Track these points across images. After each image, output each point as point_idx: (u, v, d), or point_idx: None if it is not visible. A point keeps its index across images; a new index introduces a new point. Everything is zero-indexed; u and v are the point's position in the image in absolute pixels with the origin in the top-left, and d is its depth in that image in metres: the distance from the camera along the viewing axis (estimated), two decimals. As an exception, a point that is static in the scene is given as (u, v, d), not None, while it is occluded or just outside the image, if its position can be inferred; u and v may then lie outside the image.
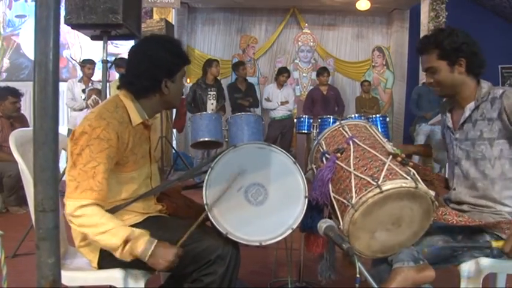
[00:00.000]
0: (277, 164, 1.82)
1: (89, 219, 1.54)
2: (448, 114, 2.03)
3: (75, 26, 2.96)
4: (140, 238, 1.55)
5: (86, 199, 1.54)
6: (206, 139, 5.09)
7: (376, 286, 1.24)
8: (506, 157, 1.83)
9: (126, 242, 1.54)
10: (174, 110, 7.81)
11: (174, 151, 7.42)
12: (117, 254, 1.55)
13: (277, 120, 7.44)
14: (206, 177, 1.72)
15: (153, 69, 1.71)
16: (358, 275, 1.20)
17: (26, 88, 6.31)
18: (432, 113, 6.62)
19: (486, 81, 1.92)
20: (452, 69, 1.87)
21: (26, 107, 8.73)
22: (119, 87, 1.79)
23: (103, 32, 3.11)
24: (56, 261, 0.93)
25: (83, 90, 6.36)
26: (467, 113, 1.90)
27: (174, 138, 8.21)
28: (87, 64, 6.68)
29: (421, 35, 8.16)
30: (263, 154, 1.83)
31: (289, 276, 2.42)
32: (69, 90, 6.71)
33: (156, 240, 1.58)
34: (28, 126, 5.61)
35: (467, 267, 1.82)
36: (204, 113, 5.59)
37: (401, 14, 9.59)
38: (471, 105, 1.90)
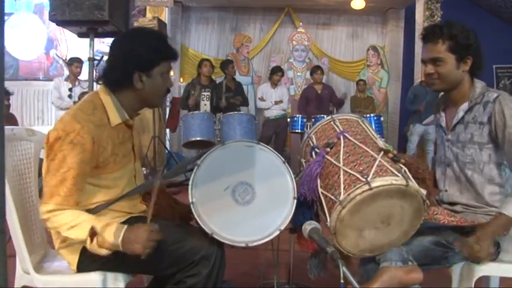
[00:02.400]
0: (266, 163, 1.76)
1: (59, 219, 1.50)
2: (442, 114, 1.98)
3: (60, 23, 2.92)
4: (107, 227, 1.48)
5: (51, 204, 1.51)
6: (198, 139, 5.06)
7: (361, 290, 1.18)
8: (494, 162, 1.80)
9: (92, 234, 1.48)
10: (168, 110, 7.77)
11: (167, 151, 7.36)
12: (89, 248, 1.50)
13: (271, 119, 7.38)
14: (192, 175, 1.67)
15: (124, 60, 1.64)
16: (342, 280, 1.14)
17: (13, 88, 6.24)
18: (426, 104, 6.61)
19: (480, 80, 1.88)
20: (458, 65, 1.82)
21: (18, 107, 8.72)
22: (97, 81, 1.75)
23: (89, 29, 3.05)
24: (1, 269, 0.84)
25: (70, 89, 6.28)
26: (460, 114, 1.86)
27: (167, 138, 8.15)
28: (75, 63, 6.62)
29: (416, 34, 8.13)
30: (252, 152, 1.77)
31: (275, 278, 2.36)
32: (56, 89, 6.64)
33: (125, 226, 1.51)
34: (17, 126, 5.55)
35: (458, 269, 1.78)
36: (196, 112, 5.55)
37: (397, 13, 9.55)
38: (464, 106, 1.85)
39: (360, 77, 9.47)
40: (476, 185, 1.82)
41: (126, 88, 1.67)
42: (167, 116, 7.66)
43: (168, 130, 7.93)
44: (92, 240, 1.48)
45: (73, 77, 6.64)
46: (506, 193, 1.82)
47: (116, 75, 1.65)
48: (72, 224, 1.49)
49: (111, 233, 1.47)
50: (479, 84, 1.85)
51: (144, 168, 6.92)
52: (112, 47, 1.70)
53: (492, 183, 1.81)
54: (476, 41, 1.81)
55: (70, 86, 6.52)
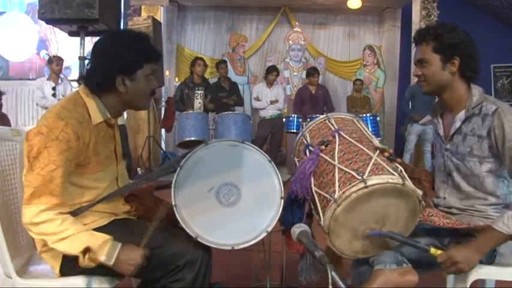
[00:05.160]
0: (251, 163, 1.72)
1: (49, 226, 1.45)
2: (440, 120, 1.94)
3: (50, 21, 2.87)
4: (102, 247, 1.47)
5: (44, 204, 1.45)
6: (192, 139, 5.02)
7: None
8: (494, 175, 1.76)
9: (86, 251, 1.46)
10: (163, 109, 7.73)
11: (162, 151, 7.33)
12: (80, 263, 1.48)
13: (267, 119, 7.34)
14: (175, 177, 1.63)
15: (106, 64, 1.60)
16: (330, 286, 1.09)
17: (7, 87, 6.16)
18: (421, 113, 6.58)
19: (477, 86, 1.82)
20: (444, 66, 1.78)
21: (12, 107, 8.65)
22: (78, 81, 1.72)
23: (80, 27, 3.01)
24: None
25: (53, 88, 6.23)
26: (457, 123, 1.81)
27: (162, 138, 8.11)
28: (54, 61, 6.59)
29: (413, 34, 8.07)
30: (236, 152, 1.73)
31: (268, 279, 2.32)
32: (39, 89, 6.58)
33: (119, 245, 1.49)
34: (9, 126, 5.50)
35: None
36: (191, 112, 5.51)
37: (393, 12, 9.54)
38: (461, 115, 1.80)
39: (356, 76, 9.45)
40: (476, 196, 1.79)
41: (108, 91, 1.63)
42: (162, 116, 7.62)
43: (163, 130, 7.90)
44: (84, 257, 1.46)
45: (55, 76, 6.58)
46: (507, 204, 1.77)
47: (98, 78, 1.61)
48: (62, 236, 1.45)
49: (104, 252, 1.46)
50: (476, 91, 1.80)
51: (139, 168, 6.90)
52: (94, 49, 1.66)
53: (493, 195, 1.77)
54: (464, 41, 1.76)
55: (53, 85, 6.47)
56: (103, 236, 1.50)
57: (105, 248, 1.47)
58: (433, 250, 1.60)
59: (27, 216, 1.45)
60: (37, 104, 6.73)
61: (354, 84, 8.42)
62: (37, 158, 1.47)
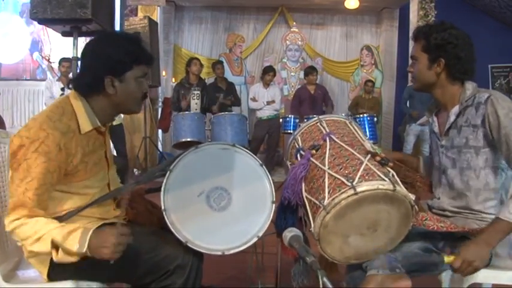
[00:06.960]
0: (242, 167, 1.70)
1: (24, 231, 1.43)
2: (435, 118, 1.93)
3: (42, 21, 2.83)
4: (69, 236, 1.39)
5: (16, 215, 1.44)
6: (188, 139, 4.99)
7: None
8: (490, 166, 1.74)
9: (55, 246, 1.41)
10: (160, 110, 7.71)
11: (159, 152, 7.31)
12: (56, 260, 1.43)
13: (263, 120, 7.30)
14: (164, 180, 1.61)
15: (94, 64, 1.56)
16: (321, 293, 1.07)
17: (2, 88, 6.10)
18: (420, 112, 6.54)
19: (472, 82, 1.81)
20: (431, 66, 1.79)
21: (8, 107, 8.60)
22: (68, 84, 1.70)
23: (73, 27, 2.97)
24: None
25: (62, 89, 6.23)
26: (452, 118, 1.80)
27: (159, 138, 8.09)
28: (63, 62, 6.60)
29: (411, 34, 8.04)
30: (227, 155, 1.71)
31: (259, 283, 2.30)
32: (48, 90, 6.67)
33: (91, 230, 1.41)
34: (5, 128, 5.45)
35: (448, 276, 1.72)
36: (187, 112, 5.48)
37: (391, 12, 9.52)
38: (455, 109, 1.79)
39: (353, 76, 9.43)
40: (471, 191, 1.76)
41: (98, 93, 1.59)
42: (159, 117, 7.60)
43: (160, 131, 7.88)
44: (57, 253, 1.41)
45: (63, 77, 6.60)
46: (501, 199, 1.76)
47: (87, 79, 1.58)
48: (36, 237, 1.42)
49: (75, 241, 1.38)
50: (470, 86, 1.79)
51: (135, 169, 6.87)
52: (83, 50, 1.63)
53: (487, 189, 1.75)
54: (453, 42, 1.73)
55: (62, 85, 6.48)
56: (73, 226, 1.43)
57: (74, 236, 1.39)
58: (446, 258, 1.59)
59: (6, 226, 1.46)
60: (45, 104, 6.83)
61: (365, 85, 8.33)
62: (17, 170, 1.45)
